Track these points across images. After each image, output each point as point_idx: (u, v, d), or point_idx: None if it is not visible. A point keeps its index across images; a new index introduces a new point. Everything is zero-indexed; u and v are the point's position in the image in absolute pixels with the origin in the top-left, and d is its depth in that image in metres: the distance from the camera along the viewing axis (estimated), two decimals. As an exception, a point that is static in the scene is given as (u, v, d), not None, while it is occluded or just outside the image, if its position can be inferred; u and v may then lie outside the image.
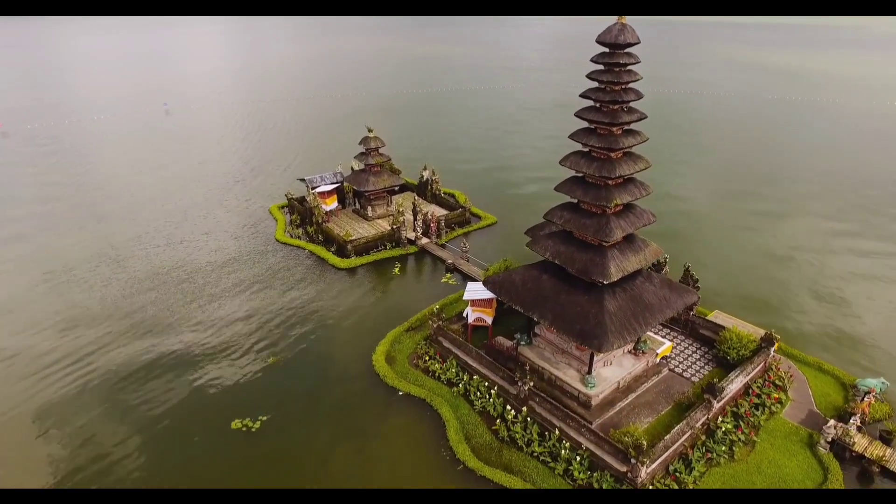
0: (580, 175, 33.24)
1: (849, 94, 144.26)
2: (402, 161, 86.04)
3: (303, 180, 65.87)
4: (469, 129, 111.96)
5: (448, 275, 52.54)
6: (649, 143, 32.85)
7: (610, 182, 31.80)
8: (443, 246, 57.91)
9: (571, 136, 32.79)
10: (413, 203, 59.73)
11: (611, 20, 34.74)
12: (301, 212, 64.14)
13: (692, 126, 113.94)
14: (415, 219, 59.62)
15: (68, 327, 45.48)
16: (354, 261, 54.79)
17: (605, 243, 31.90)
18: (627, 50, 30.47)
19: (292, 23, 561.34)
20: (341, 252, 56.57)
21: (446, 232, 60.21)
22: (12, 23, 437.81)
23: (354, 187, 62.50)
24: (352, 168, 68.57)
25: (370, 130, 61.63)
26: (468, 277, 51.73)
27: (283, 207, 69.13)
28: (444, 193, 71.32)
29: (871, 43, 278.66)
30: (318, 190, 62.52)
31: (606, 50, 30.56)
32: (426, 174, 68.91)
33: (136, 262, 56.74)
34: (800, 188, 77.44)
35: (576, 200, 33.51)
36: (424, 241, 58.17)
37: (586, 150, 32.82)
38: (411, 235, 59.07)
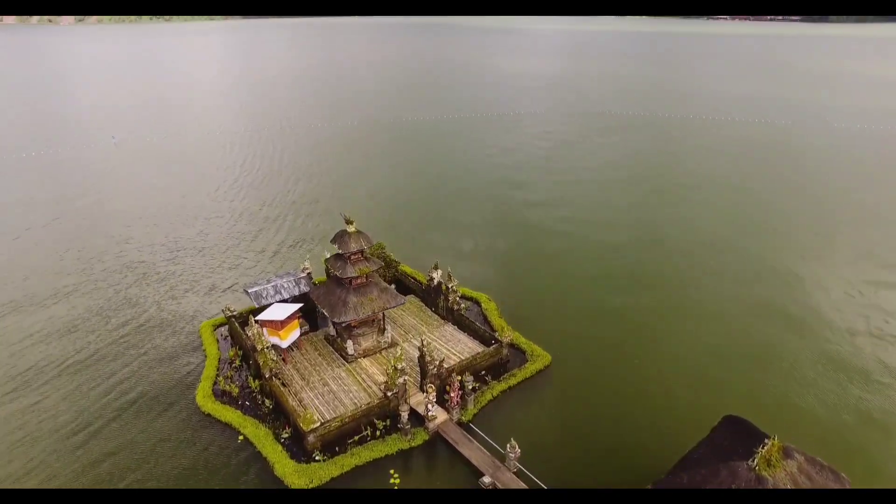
0: None
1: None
2: (398, 232, 63.49)
3: (248, 293, 42.40)
4: (484, 177, 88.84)
5: (486, 511, 29.04)
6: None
7: None
8: (468, 426, 34.48)
9: None
10: (421, 348, 36.25)
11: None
12: (244, 345, 40.72)
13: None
14: (423, 372, 36.24)
15: None
16: (320, 469, 31.16)
17: None
18: None
19: (290, 29, 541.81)
20: (299, 442, 33.18)
21: (475, 392, 36.75)
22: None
23: (326, 313, 39.08)
24: (325, 263, 45.42)
25: (349, 222, 38.42)
26: (524, 522, 28.28)
27: (220, 327, 45.72)
28: (463, 298, 48.15)
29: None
30: (266, 317, 39.00)
31: None
32: (436, 276, 45.58)
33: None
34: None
35: None
36: (440, 417, 34.71)
37: None
38: (418, 401, 35.72)
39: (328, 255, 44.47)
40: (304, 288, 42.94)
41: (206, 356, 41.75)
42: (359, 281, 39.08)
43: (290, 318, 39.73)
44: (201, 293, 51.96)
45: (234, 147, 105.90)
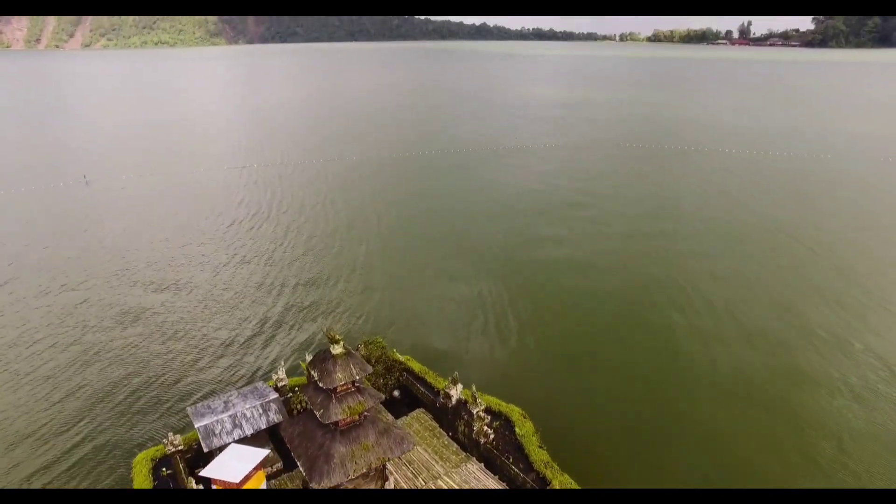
0: None
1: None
2: (403, 301, 48.11)
3: (196, 428, 30.70)
4: (504, 227, 77.81)
5: None
6: None
7: None
8: None
9: None
10: (438, 537, 24.53)
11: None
12: (186, 503, 28.83)
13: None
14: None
15: None
16: None
17: None
18: None
19: (292, 56, 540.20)
20: None
21: None
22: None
23: (303, 470, 27.32)
24: (305, 368, 33.99)
25: (334, 341, 26.98)
26: None
27: (162, 462, 33.87)
28: (490, 414, 36.30)
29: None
30: (216, 472, 27.15)
31: None
32: (455, 393, 33.96)
33: None
34: None
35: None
36: None
37: None
38: None
39: (309, 361, 33.07)
40: (275, 418, 31.24)
41: (135, 516, 29.87)
42: (348, 421, 27.48)
43: (253, 471, 27.96)
44: (152, 402, 40.30)
45: (220, 190, 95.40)
